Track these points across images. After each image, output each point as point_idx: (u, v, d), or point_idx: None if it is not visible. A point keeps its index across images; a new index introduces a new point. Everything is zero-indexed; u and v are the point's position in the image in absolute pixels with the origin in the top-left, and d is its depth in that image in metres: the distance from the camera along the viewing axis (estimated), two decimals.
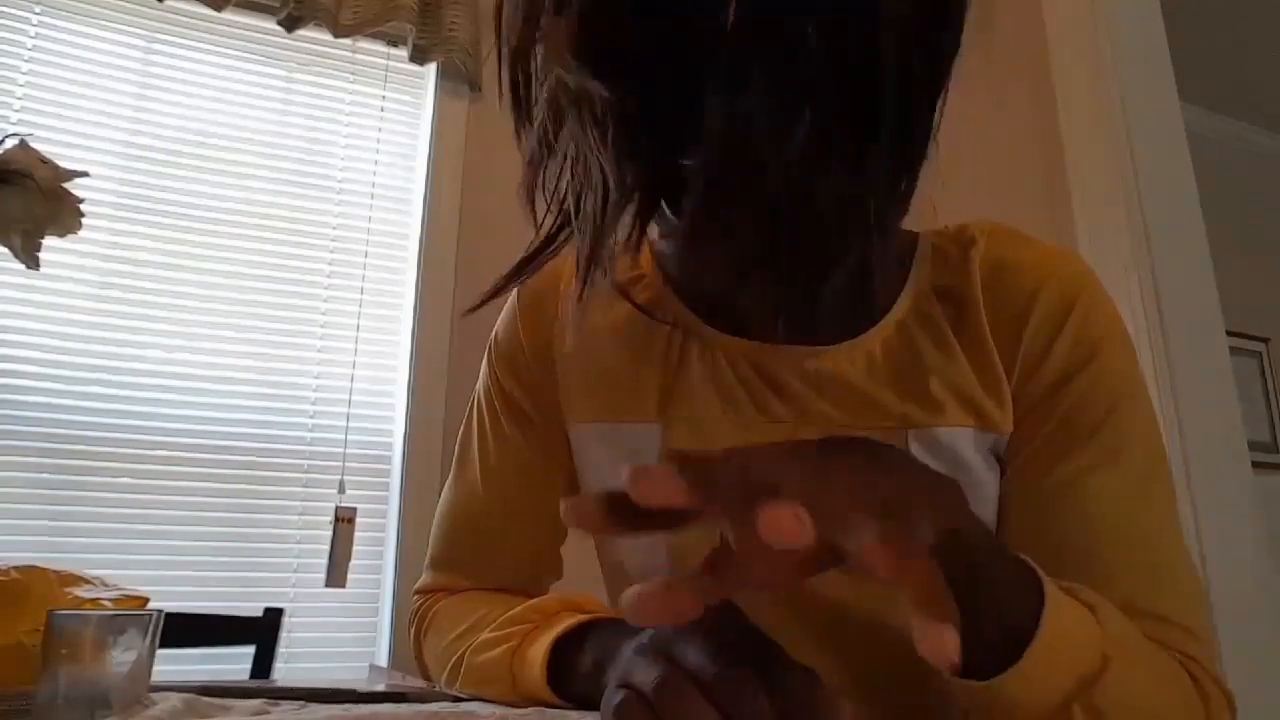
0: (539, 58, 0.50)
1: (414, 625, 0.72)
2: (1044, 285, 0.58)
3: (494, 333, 0.72)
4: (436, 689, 0.64)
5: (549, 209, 0.54)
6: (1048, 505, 0.56)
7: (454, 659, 0.62)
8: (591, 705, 0.52)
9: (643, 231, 0.50)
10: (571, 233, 0.54)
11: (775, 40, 0.44)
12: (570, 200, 0.52)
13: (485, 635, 0.60)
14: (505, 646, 0.57)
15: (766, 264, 0.50)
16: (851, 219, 0.48)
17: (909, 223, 0.62)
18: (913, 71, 0.47)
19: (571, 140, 0.50)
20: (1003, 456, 0.58)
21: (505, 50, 0.53)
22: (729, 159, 0.46)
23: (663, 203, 0.50)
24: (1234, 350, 1.86)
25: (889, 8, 0.45)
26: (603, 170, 0.48)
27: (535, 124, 0.52)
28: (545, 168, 0.52)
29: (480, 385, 0.73)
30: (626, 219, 0.49)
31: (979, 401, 0.57)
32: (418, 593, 0.74)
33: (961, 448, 0.57)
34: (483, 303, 0.62)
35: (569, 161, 0.51)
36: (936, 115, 0.50)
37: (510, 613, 0.60)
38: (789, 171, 0.45)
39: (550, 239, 0.56)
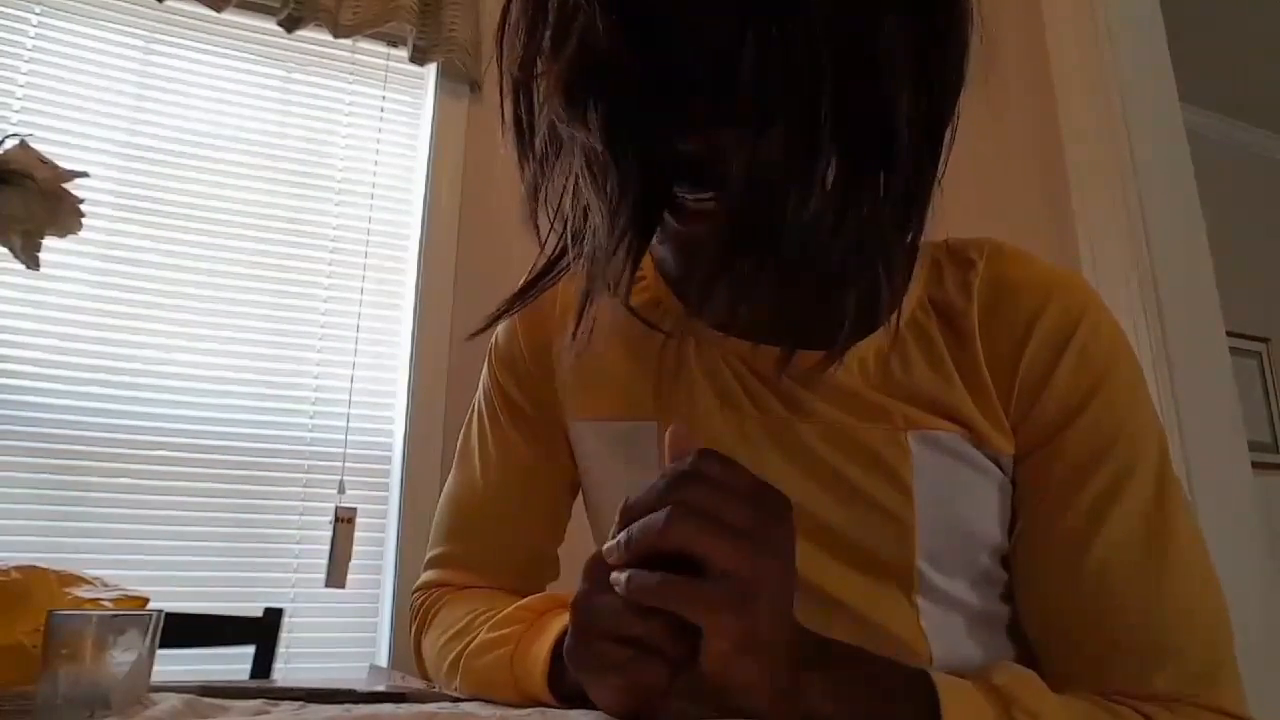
0: (539, 92, 0.52)
1: (413, 623, 0.73)
2: (1042, 311, 0.57)
3: (494, 337, 0.73)
4: (436, 689, 0.64)
5: (549, 234, 0.57)
6: (1067, 557, 0.55)
7: (449, 661, 0.63)
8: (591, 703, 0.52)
9: (633, 272, 0.52)
10: (571, 260, 0.56)
11: (792, 83, 0.45)
12: (569, 232, 0.55)
13: (480, 638, 0.60)
14: (502, 651, 0.57)
15: (778, 300, 0.52)
16: (862, 267, 0.50)
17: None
18: (919, 109, 0.48)
19: (570, 177, 0.52)
20: (1008, 474, 0.58)
21: (507, 81, 0.54)
22: (752, 203, 0.47)
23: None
24: (1234, 350, 1.86)
25: (888, 47, 0.46)
26: (598, 213, 0.50)
27: (535, 154, 0.54)
28: (545, 195, 0.55)
29: (481, 388, 0.74)
30: (620, 256, 0.51)
31: (970, 416, 0.57)
32: (417, 589, 0.74)
33: (957, 446, 0.57)
34: (486, 326, 0.66)
35: (568, 194, 0.53)
36: (944, 154, 0.52)
37: (501, 614, 0.60)
38: (810, 214, 0.46)
39: (551, 265, 0.59)
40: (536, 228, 0.57)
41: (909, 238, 0.54)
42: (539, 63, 0.51)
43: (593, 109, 0.48)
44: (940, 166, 0.52)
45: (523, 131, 0.55)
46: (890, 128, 0.47)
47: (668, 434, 0.46)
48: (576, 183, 0.52)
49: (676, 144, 0.48)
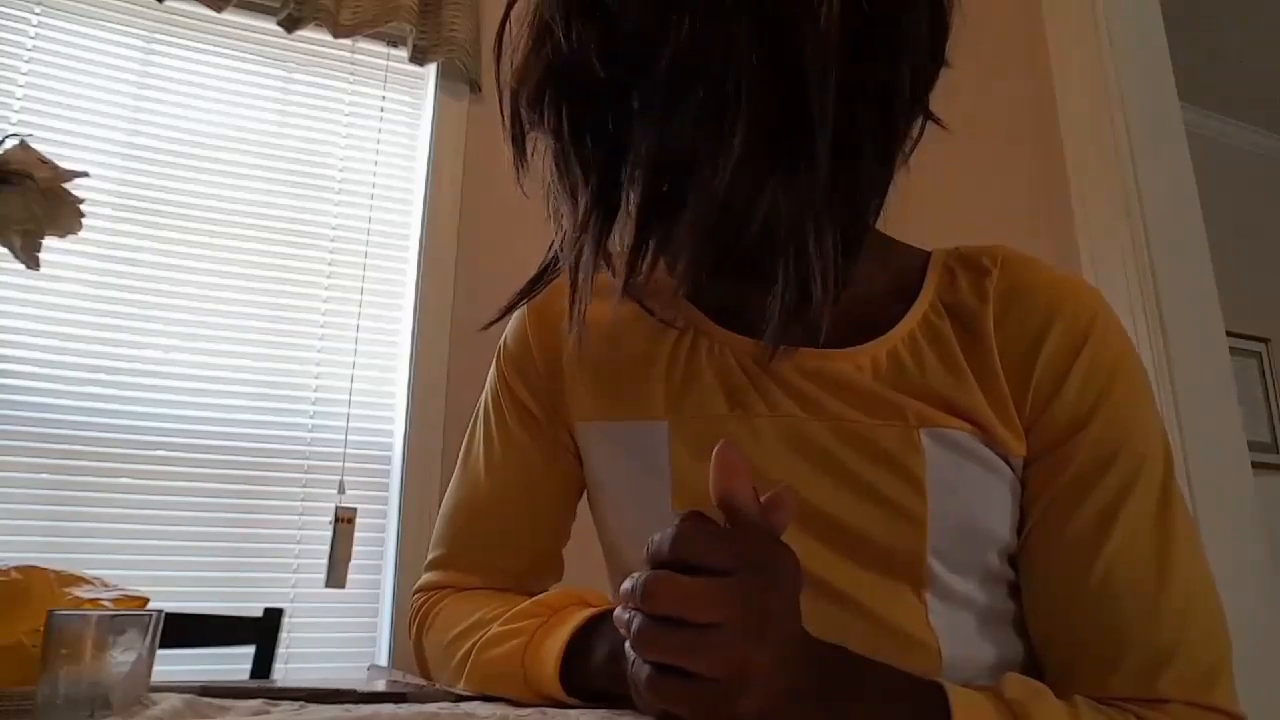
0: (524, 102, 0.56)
1: (414, 623, 0.72)
2: (1055, 317, 0.58)
3: (503, 337, 0.74)
4: (436, 687, 0.64)
5: (557, 229, 0.59)
6: (1074, 562, 0.56)
7: (458, 656, 0.62)
8: (605, 698, 0.52)
9: (596, 255, 0.55)
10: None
11: (703, 70, 0.48)
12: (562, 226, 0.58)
13: (492, 631, 0.60)
14: (515, 643, 0.57)
15: (719, 276, 0.55)
16: (789, 237, 0.52)
17: (920, 239, 0.63)
18: (855, 103, 0.50)
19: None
20: (1017, 475, 0.58)
21: (506, 95, 0.57)
22: (660, 179, 0.50)
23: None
24: (1234, 350, 1.86)
25: (815, 52, 0.48)
26: (565, 204, 0.55)
27: (527, 162, 0.58)
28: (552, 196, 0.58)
29: (488, 388, 0.75)
30: (585, 241, 0.55)
31: (983, 416, 0.57)
32: (418, 591, 0.74)
33: (969, 444, 0.57)
34: (498, 319, 0.68)
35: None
36: (908, 144, 0.54)
37: (517, 608, 0.60)
38: (719, 191, 0.49)
39: (556, 260, 0.62)
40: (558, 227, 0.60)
41: (855, 218, 0.55)
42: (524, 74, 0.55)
43: (553, 109, 0.53)
44: (896, 152, 0.54)
45: (517, 139, 0.57)
46: (811, 112, 0.49)
47: (715, 453, 0.44)
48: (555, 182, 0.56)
49: (631, 133, 0.52)
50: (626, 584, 0.43)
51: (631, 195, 0.53)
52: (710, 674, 0.40)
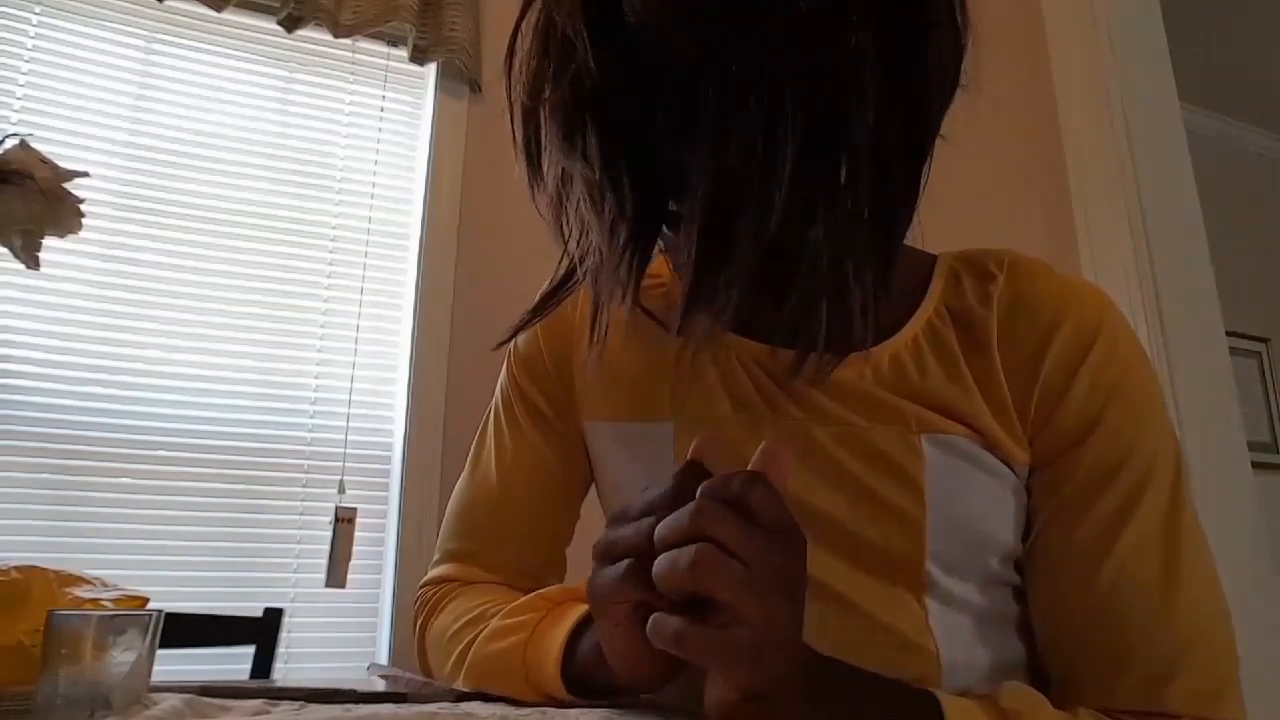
0: (544, 120, 0.55)
1: (419, 615, 0.73)
2: (1061, 323, 0.57)
3: (514, 340, 0.74)
4: (436, 685, 0.64)
5: (566, 247, 0.59)
6: (1081, 569, 0.55)
7: (459, 649, 0.63)
8: (599, 690, 0.52)
9: (636, 285, 0.55)
10: (580, 276, 0.59)
11: (753, 102, 0.48)
12: (578, 251, 0.58)
13: (494, 624, 0.60)
14: (516, 638, 0.57)
15: (762, 299, 0.54)
16: (832, 268, 0.52)
17: (920, 241, 0.63)
18: (889, 123, 0.50)
19: (572, 200, 0.56)
20: (1022, 481, 0.58)
21: (517, 110, 0.57)
22: (718, 206, 0.50)
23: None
24: (1234, 350, 1.86)
25: (853, 79, 0.48)
26: (599, 233, 0.54)
27: (544, 178, 0.57)
28: (564, 211, 0.57)
29: (500, 389, 0.76)
30: (623, 272, 0.54)
31: (985, 424, 0.57)
32: (425, 584, 0.74)
33: (970, 450, 0.57)
34: (509, 338, 0.69)
35: (573, 215, 0.57)
36: (926, 163, 0.54)
37: (517, 602, 0.60)
38: (772, 226, 0.49)
39: (569, 275, 0.62)
40: (564, 243, 0.59)
41: (887, 243, 0.54)
42: (545, 90, 0.54)
43: (586, 139, 0.52)
44: (923, 175, 0.54)
45: (532, 156, 0.57)
46: (853, 143, 0.49)
47: (693, 446, 0.46)
48: (579, 205, 0.55)
49: (664, 161, 0.51)
50: (653, 506, 0.43)
51: (688, 234, 0.52)
52: (752, 616, 0.40)
